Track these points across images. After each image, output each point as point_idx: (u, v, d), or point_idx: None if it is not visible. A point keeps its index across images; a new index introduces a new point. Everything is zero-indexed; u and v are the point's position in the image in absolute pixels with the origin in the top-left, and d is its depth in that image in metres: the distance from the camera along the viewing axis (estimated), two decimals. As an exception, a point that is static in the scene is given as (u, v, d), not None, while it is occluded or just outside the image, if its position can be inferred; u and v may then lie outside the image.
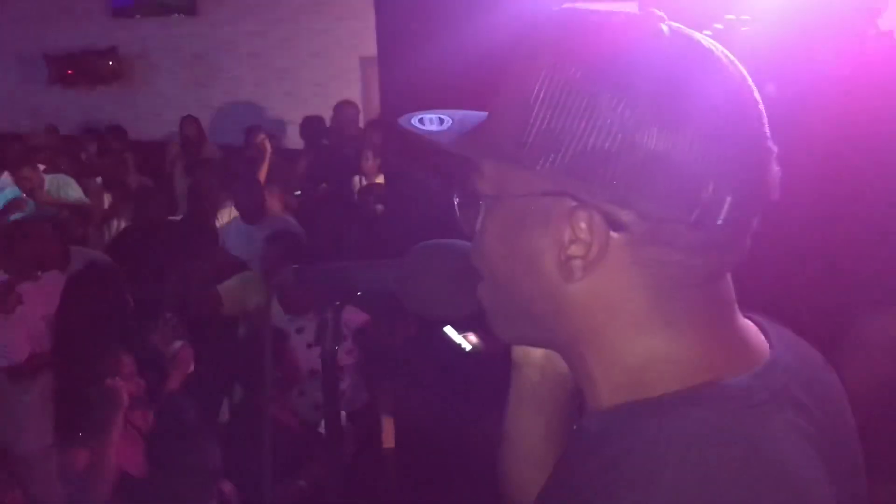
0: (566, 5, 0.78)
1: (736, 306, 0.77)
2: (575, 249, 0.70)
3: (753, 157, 0.71)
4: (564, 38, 0.73)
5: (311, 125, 7.22)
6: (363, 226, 4.95)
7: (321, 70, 8.56)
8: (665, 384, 0.71)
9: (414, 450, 2.93)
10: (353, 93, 8.11)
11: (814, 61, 1.67)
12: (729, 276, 0.76)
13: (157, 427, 3.16)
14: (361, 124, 7.22)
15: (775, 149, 0.72)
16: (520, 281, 0.76)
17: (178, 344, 3.38)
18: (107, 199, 6.43)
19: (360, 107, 8.09)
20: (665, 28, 0.72)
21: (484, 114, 0.80)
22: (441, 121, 0.81)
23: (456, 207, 0.82)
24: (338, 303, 0.98)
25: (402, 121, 0.82)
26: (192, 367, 3.38)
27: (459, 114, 0.83)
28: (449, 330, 0.99)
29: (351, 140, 6.66)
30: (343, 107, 7.13)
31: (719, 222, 0.69)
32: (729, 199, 0.68)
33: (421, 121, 0.81)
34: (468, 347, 1.06)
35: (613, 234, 0.70)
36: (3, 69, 9.89)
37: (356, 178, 5.95)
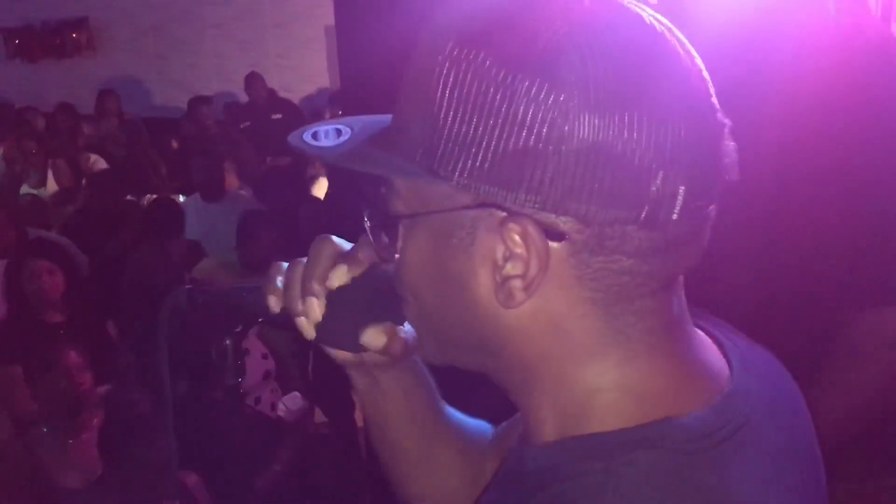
0: None
1: (688, 317, 0.68)
2: (511, 268, 0.61)
3: (705, 135, 0.61)
4: (466, 20, 0.62)
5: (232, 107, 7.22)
6: (314, 201, 4.87)
7: (285, 40, 8.36)
8: (617, 417, 0.63)
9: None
10: (319, 63, 7.95)
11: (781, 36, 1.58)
12: (681, 279, 0.67)
13: (107, 420, 3.06)
14: (322, 95, 7.13)
15: (727, 122, 0.62)
16: (449, 308, 0.66)
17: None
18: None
19: (327, 77, 7.95)
20: None
21: (387, 118, 0.69)
22: (338, 132, 0.70)
23: (367, 231, 0.71)
24: (238, 329, 0.88)
25: (291, 139, 0.71)
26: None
27: (360, 121, 0.72)
28: None
29: (279, 107, 6.66)
30: (251, 79, 7.20)
31: (674, 216, 0.59)
32: (682, 188, 0.59)
33: (315, 135, 0.70)
34: None
35: (553, 245, 0.60)
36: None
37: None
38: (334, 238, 0.80)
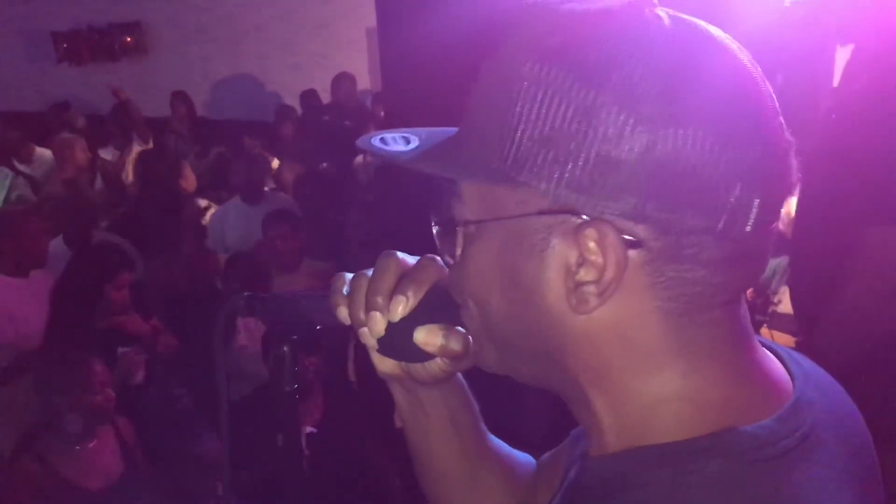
0: None
1: (752, 330, 0.68)
2: (585, 274, 0.61)
3: (775, 152, 0.62)
4: (543, 35, 0.63)
5: (308, 100, 7.11)
6: (363, 209, 4.86)
7: (326, 42, 8.41)
8: (681, 427, 0.63)
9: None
10: (359, 64, 7.97)
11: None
12: (745, 293, 0.67)
13: (148, 417, 3.09)
14: (364, 96, 7.10)
15: (793, 140, 0.64)
16: (516, 315, 0.67)
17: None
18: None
19: (368, 79, 7.97)
20: (660, 14, 0.62)
21: (452, 130, 0.70)
22: (406, 140, 0.71)
23: (435, 236, 0.72)
24: (295, 337, 0.90)
25: (360, 142, 0.73)
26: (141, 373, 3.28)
27: (425, 131, 0.73)
28: None
29: (351, 115, 6.55)
30: (341, 80, 6.97)
31: (748, 228, 0.60)
32: (757, 200, 0.60)
33: (383, 140, 0.72)
34: None
35: (629, 252, 0.60)
36: (9, 48, 9.81)
37: (359, 157, 5.85)
38: (399, 254, 0.81)
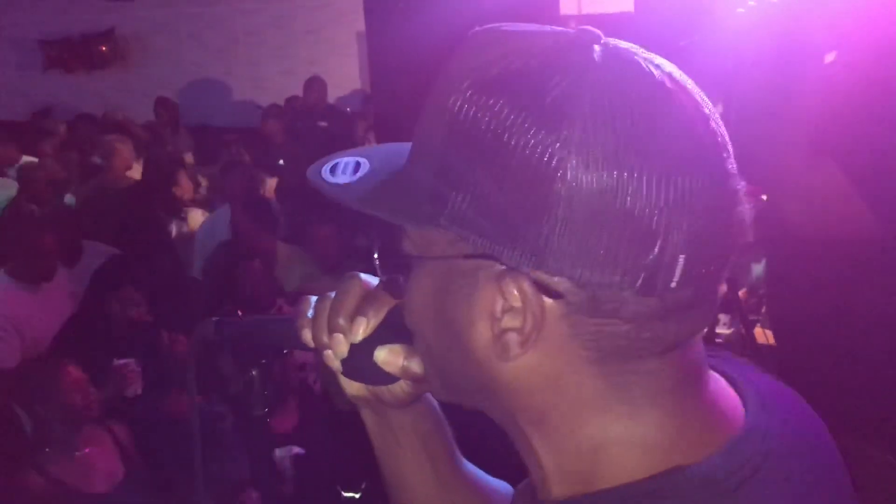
0: (498, 24, 0.65)
1: (706, 367, 0.66)
2: (509, 321, 0.60)
3: (715, 202, 0.59)
4: (480, 66, 0.61)
5: (292, 106, 7.15)
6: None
7: (317, 46, 8.38)
8: (626, 472, 0.61)
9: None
10: (351, 69, 7.96)
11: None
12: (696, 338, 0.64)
13: (145, 428, 3.05)
14: (355, 101, 7.10)
15: (742, 186, 0.61)
16: (450, 352, 0.66)
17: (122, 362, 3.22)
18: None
19: (359, 83, 7.94)
20: (600, 49, 0.60)
21: (407, 149, 0.68)
22: (357, 167, 0.70)
23: (377, 268, 0.72)
24: (264, 361, 0.85)
25: (310, 172, 0.71)
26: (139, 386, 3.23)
27: (382, 153, 0.71)
28: None
29: (322, 116, 6.64)
30: (310, 84, 7.09)
31: (673, 285, 0.58)
32: (682, 257, 0.57)
33: (334, 168, 0.70)
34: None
35: (548, 302, 0.59)
36: (-1, 56, 9.78)
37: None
38: (362, 275, 0.80)
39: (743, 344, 3.33)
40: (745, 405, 0.67)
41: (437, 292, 0.65)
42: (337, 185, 0.69)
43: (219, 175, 5.54)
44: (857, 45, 1.55)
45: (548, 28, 0.63)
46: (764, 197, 1.73)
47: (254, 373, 0.76)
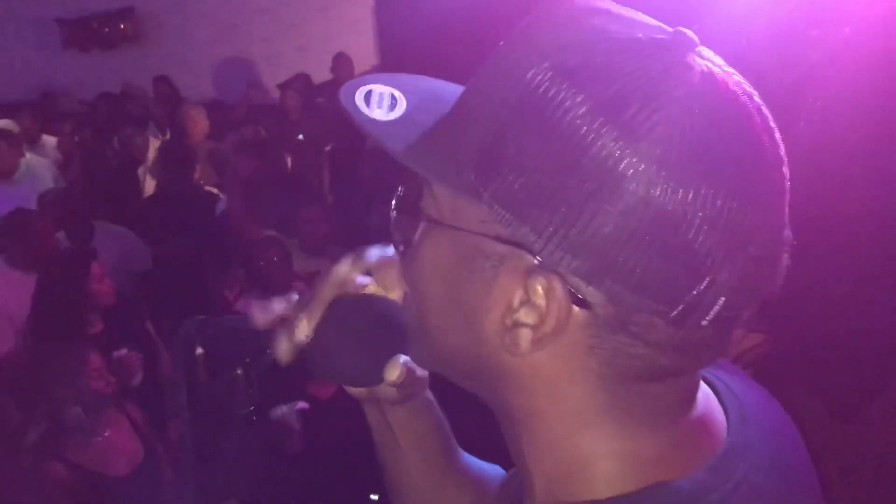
0: None
1: (699, 385, 0.65)
2: (525, 315, 0.57)
3: (768, 249, 0.56)
4: (563, 47, 0.55)
5: (300, 84, 7.10)
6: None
7: (331, 23, 8.34)
8: (607, 486, 0.60)
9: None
10: (364, 45, 7.91)
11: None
12: None
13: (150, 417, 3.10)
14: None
15: (790, 238, 0.59)
16: (452, 331, 0.63)
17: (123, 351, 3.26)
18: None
19: (373, 59, 7.91)
20: (693, 61, 0.56)
21: (453, 93, 0.63)
22: (393, 101, 0.64)
23: (392, 217, 0.67)
24: (248, 360, 0.88)
25: (343, 94, 0.65)
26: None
27: (420, 91, 0.66)
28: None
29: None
30: (340, 60, 7.00)
31: (704, 323, 0.56)
32: (723, 299, 0.55)
33: (368, 97, 0.64)
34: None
35: (575, 310, 0.56)
36: (17, 35, 9.80)
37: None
38: (339, 265, 0.78)
39: (757, 319, 3.33)
40: (727, 419, 0.66)
41: (454, 265, 0.61)
42: (374, 121, 0.63)
43: (231, 153, 5.55)
44: (864, 24, 1.53)
45: (641, 19, 0.58)
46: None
47: (238, 371, 0.80)
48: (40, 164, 5.78)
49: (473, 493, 0.92)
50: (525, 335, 0.58)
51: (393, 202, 0.67)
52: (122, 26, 9.39)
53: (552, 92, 0.54)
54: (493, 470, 0.96)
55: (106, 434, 2.86)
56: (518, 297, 0.57)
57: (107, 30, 9.45)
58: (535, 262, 0.56)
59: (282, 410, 2.88)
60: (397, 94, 0.64)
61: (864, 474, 1.51)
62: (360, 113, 0.63)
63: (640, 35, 0.56)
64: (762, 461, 0.64)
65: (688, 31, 0.57)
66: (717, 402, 0.68)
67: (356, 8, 8.11)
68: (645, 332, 0.56)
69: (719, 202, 0.53)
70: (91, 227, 4.28)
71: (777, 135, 0.58)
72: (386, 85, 0.65)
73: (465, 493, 0.92)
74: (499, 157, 0.55)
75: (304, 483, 2.88)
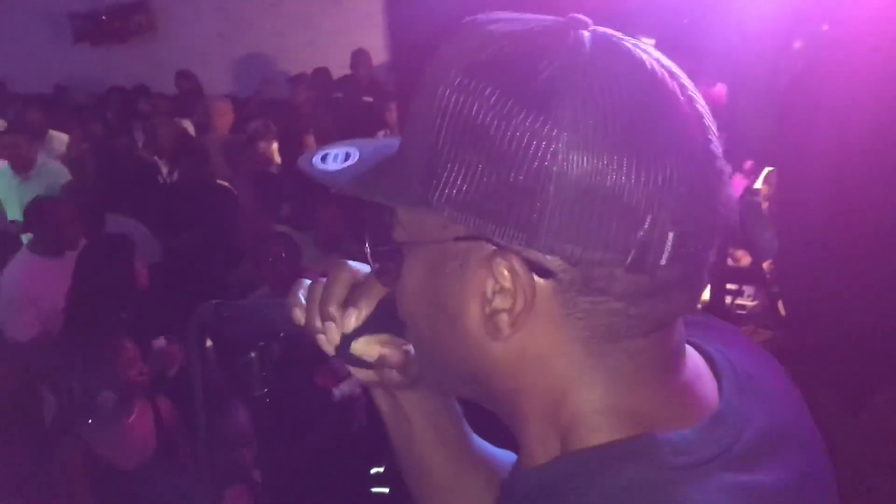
0: (490, 14, 0.67)
1: (684, 347, 0.68)
2: (500, 301, 0.63)
3: (700, 182, 0.61)
4: (470, 53, 0.62)
5: (318, 78, 7.08)
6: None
7: (342, 16, 8.34)
8: (598, 436, 0.64)
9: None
10: (376, 39, 7.87)
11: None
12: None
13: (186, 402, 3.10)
14: (381, 70, 7.05)
15: (727, 168, 0.63)
16: (442, 337, 0.68)
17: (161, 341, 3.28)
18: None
19: (385, 54, 7.89)
20: (589, 34, 0.62)
21: (396, 143, 0.70)
22: (347, 156, 0.71)
23: (368, 256, 0.74)
24: (262, 343, 0.88)
25: (301, 162, 0.73)
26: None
27: (372, 144, 0.73)
28: None
29: (367, 91, 6.51)
30: (359, 56, 6.96)
31: (663, 262, 0.60)
32: (672, 233, 0.59)
33: (324, 158, 0.71)
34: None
35: (539, 281, 0.61)
36: (29, 28, 9.84)
37: (381, 132, 5.79)
38: (351, 263, 0.81)
39: (767, 315, 3.31)
40: (720, 387, 0.69)
41: (429, 277, 0.66)
42: (327, 171, 0.70)
43: (244, 145, 5.56)
44: (850, 16, 1.52)
45: (536, 16, 0.64)
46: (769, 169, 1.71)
47: (252, 355, 0.79)
48: (54, 161, 5.80)
49: (487, 472, 0.94)
50: (504, 319, 0.62)
51: (366, 244, 0.74)
52: (134, 20, 9.43)
53: (462, 97, 0.60)
54: (504, 454, 0.96)
55: (126, 423, 2.88)
56: (490, 285, 0.62)
57: (118, 23, 9.50)
58: (493, 248, 0.61)
59: (341, 390, 2.86)
60: (351, 149, 0.72)
61: (880, 458, 1.50)
62: (316, 170, 0.71)
63: (535, 26, 0.62)
64: (758, 429, 0.66)
65: (579, 15, 0.63)
66: (709, 371, 0.71)
67: (368, 2, 8.08)
68: (609, 286, 0.60)
69: (637, 152, 0.58)
70: (103, 219, 4.30)
71: (694, 92, 0.62)
72: (341, 147, 0.73)
73: (480, 474, 0.93)
74: (438, 165, 0.61)
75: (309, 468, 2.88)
